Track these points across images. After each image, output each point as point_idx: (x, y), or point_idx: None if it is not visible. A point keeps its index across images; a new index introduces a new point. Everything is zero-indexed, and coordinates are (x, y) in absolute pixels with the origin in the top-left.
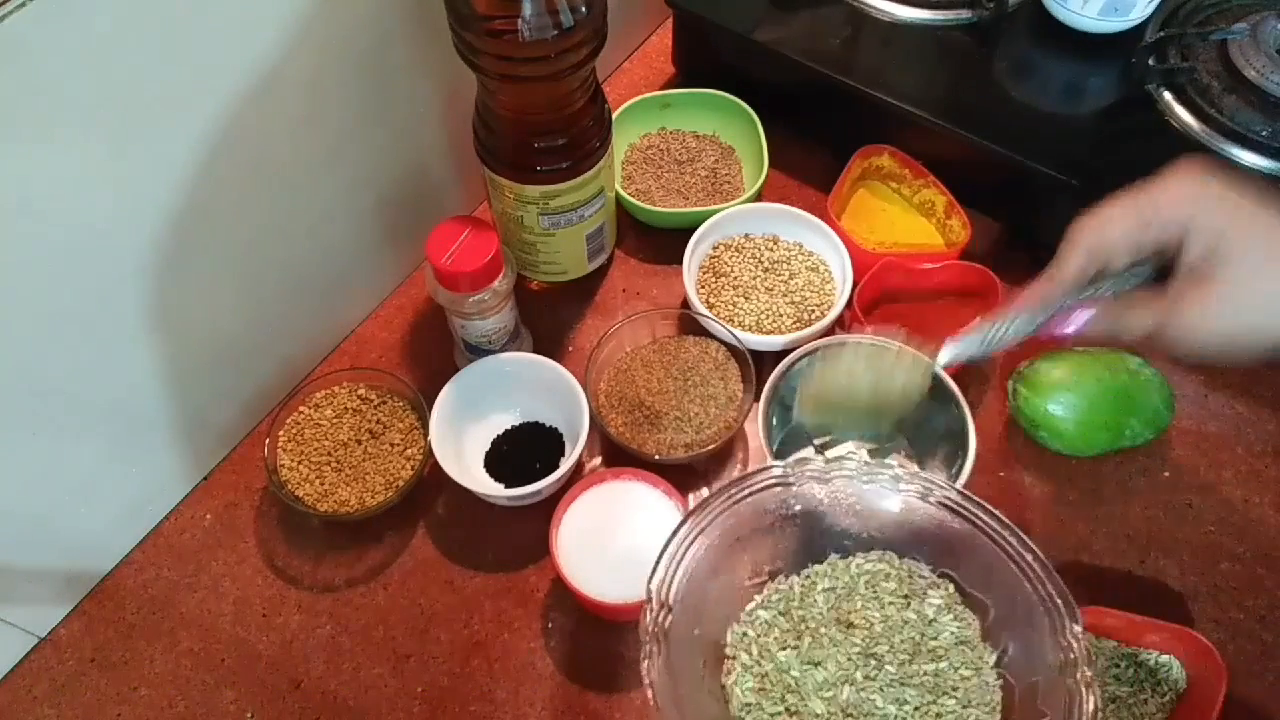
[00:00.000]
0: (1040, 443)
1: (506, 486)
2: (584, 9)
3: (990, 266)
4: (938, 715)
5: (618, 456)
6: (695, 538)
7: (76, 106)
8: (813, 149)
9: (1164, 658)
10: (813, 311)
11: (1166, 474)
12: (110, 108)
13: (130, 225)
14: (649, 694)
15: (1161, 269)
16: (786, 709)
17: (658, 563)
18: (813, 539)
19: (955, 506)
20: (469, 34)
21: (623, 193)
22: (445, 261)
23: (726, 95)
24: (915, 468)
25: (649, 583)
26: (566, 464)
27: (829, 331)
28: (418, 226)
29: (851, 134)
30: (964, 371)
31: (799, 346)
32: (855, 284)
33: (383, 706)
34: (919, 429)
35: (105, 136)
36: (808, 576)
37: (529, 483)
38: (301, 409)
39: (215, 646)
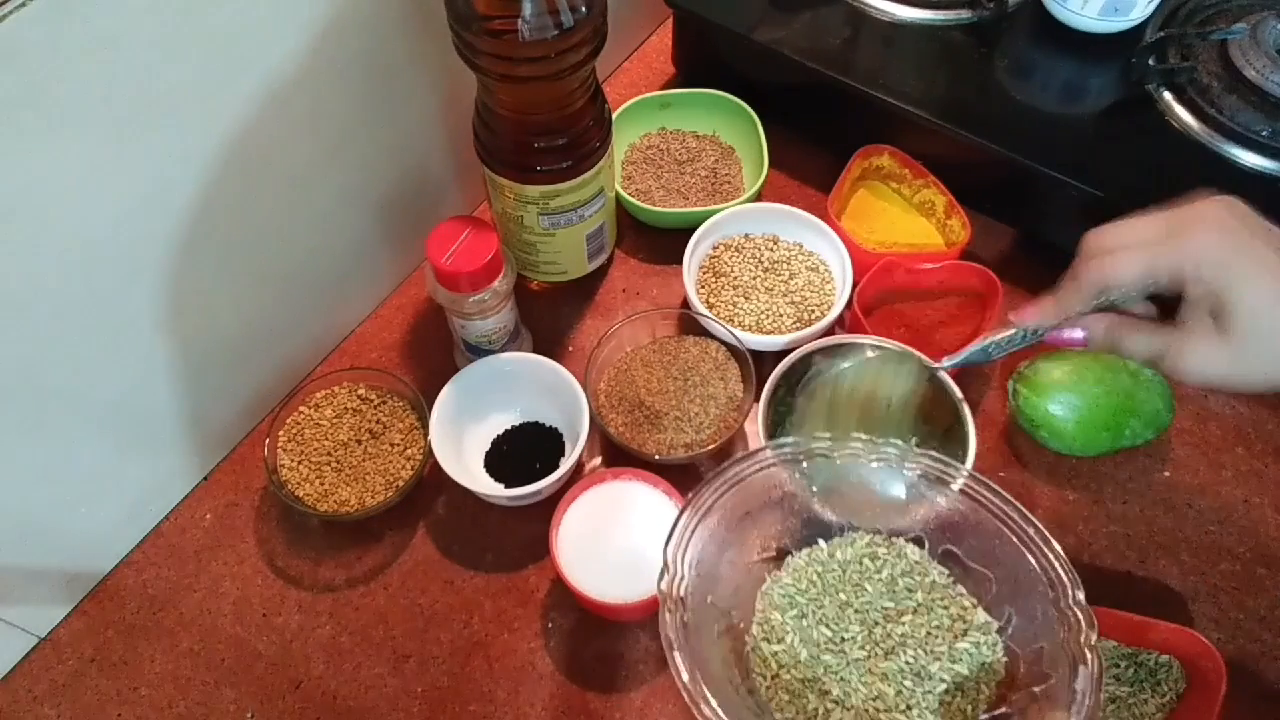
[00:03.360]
0: (1040, 443)
1: (506, 486)
2: (584, 9)
3: (991, 266)
4: (933, 658)
5: (618, 456)
6: (709, 506)
7: (77, 107)
8: (813, 149)
9: (1164, 658)
10: (813, 311)
11: (1166, 474)
12: (110, 109)
13: (129, 226)
14: (667, 650)
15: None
16: (801, 680)
17: (673, 530)
18: (817, 516)
19: (962, 486)
20: (469, 34)
21: (623, 193)
22: (445, 261)
23: (726, 95)
24: (917, 450)
25: (665, 548)
26: (566, 464)
27: (829, 331)
28: (418, 226)
29: (851, 134)
30: (964, 372)
31: (799, 346)
32: (855, 284)
33: (383, 706)
34: (920, 430)
35: (105, 137)
36: (813, 553)
37: (529, 483)
38: (301, 409)
39: (215, 646)
